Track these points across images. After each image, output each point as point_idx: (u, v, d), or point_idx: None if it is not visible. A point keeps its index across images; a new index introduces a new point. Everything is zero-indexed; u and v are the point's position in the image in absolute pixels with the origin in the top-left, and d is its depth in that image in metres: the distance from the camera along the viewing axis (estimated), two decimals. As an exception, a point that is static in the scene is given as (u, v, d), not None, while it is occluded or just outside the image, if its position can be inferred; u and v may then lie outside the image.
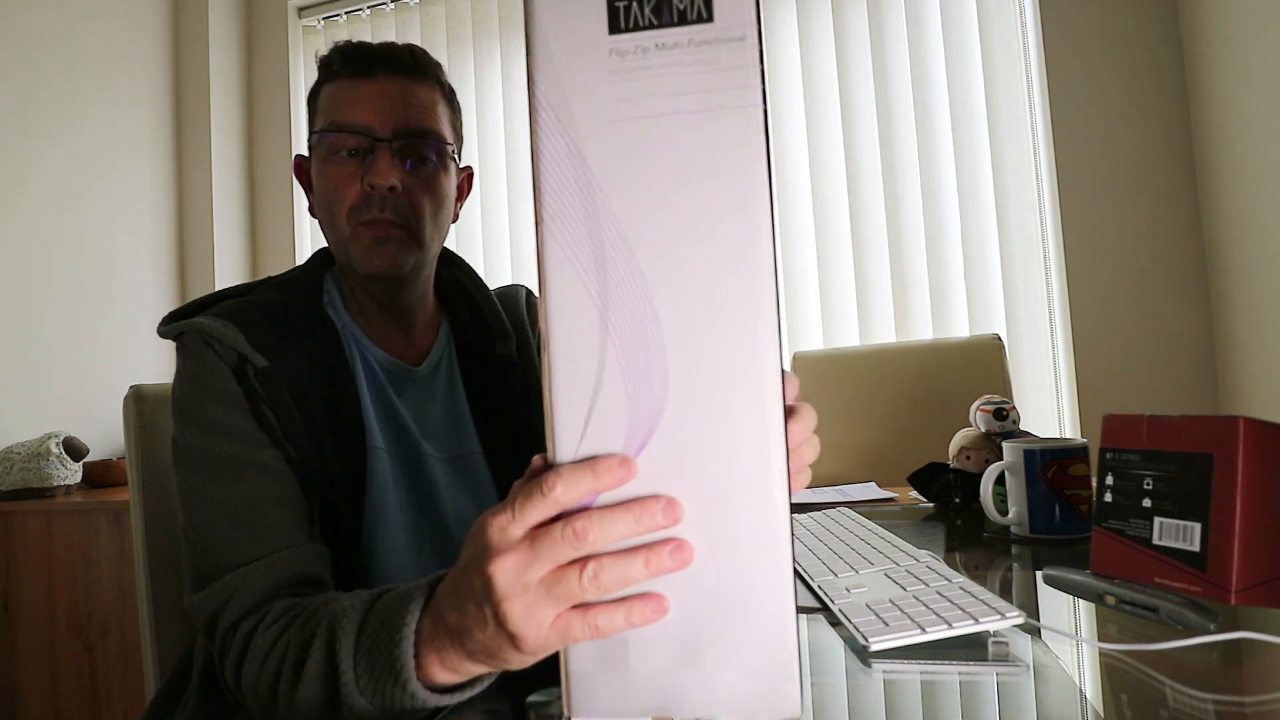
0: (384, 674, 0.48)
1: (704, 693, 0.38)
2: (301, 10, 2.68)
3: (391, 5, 2.57)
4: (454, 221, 0.83)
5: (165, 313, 0.80)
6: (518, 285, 0.96)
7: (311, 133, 0.79)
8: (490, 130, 2.48)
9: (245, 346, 0.69)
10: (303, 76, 2.68)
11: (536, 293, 0.40)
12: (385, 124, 0.74)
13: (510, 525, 0.38)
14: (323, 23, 2.66)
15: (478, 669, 0.45)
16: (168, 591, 0.88)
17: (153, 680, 0.86)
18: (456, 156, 0.81)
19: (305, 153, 0.81)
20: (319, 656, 0.54)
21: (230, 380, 0.69)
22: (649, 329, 0.38)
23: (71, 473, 1.87)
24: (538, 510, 0.37)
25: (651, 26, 0.39)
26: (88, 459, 1.97)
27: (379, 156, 0.73)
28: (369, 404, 0.76)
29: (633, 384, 0.38)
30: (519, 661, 0.41)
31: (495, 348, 0.85)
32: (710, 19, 0.39)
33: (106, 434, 2.15)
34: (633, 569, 0.36)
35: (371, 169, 0.73)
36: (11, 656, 1.75)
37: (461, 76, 2.52)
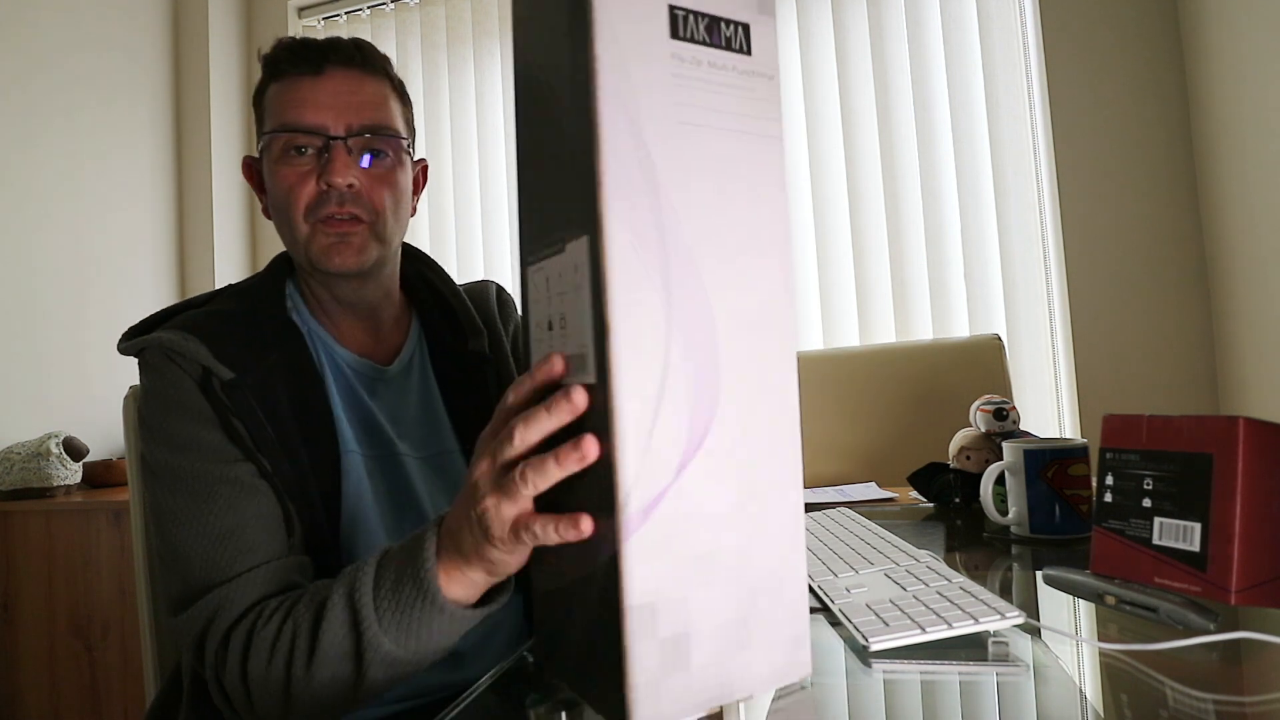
0: (411, 597, 0.53)
1: (747, 674, 0.41)
2: (301, 10, 2.68)
3: (391, 5, 2.57)
4: (412, 215, 0.82)
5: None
6: (487, 281, 0.95)
7: (261, 133, 0.76)
8: (490, 131, 2.48)
9: (209, 359, 0.68)
10: (303, 76, 2.67)
11: (520, 296, 0.42)
12: (339, 122, 0.73)
13: (484, 452, 0.46)
14: (323, 23, 2.66)
15: (479, 576, 0.51)
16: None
17: (153, 680, 0.86)
18: (411, 150, 0.80)
19: (255, 155, 0.80)
20: (337, 612, 0.56)
21: (196, 395, 0.68)
22: (707, 327, 0.41)
23: (71, 473, 1.87)
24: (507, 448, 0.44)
25: (704, 43, 0.42)
26: (88, 459, 1.97)
27: (335, 154, 0.72)
28: (339, 407, 0.75)
29: (695, 381, 0.40)
30: (500, 560, 0.49)
31: (467, 344, 0.84)
32: (749, 53, 0.43)
33: (106, 434, 2.15)
34: (548, 465, 0.42)
35: (328, 168, 0.72)
36: (11, 656, 1.75)
37: (461, 76, 2.52)
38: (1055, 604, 0.63)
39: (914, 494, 1.18)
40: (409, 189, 0.80)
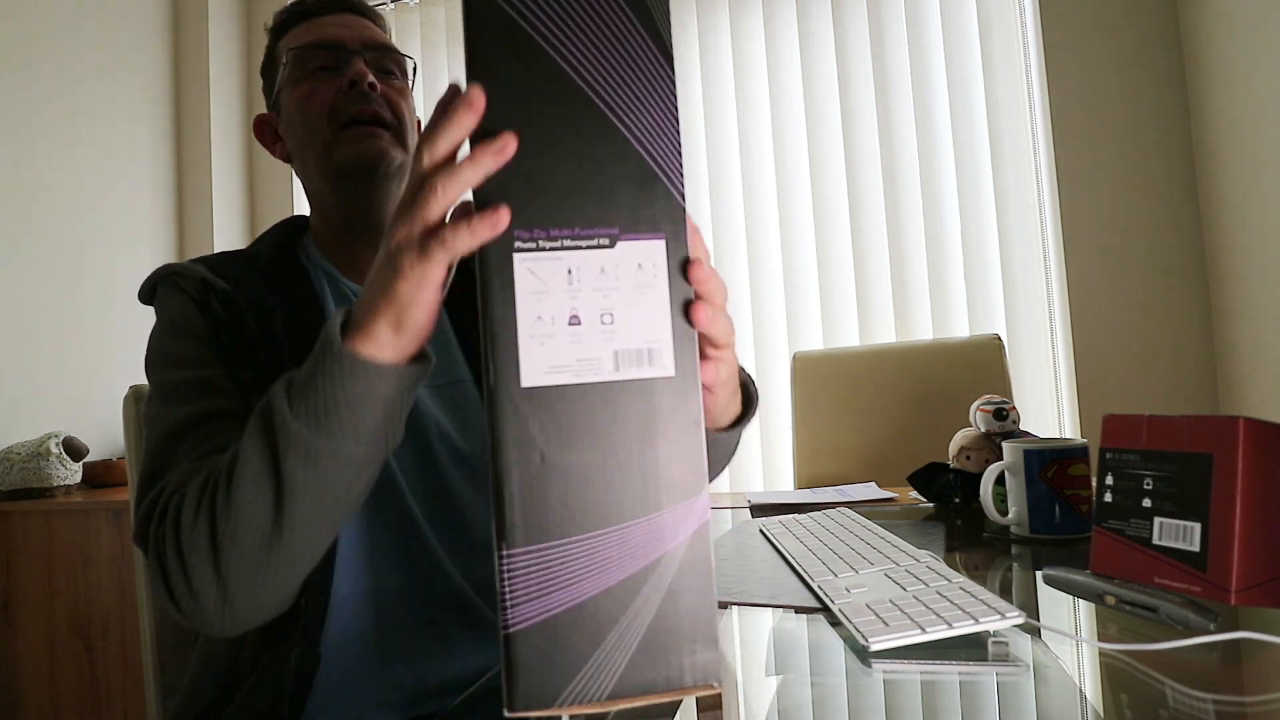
0: (315, 366, 0.50)
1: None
2: (301, 10, 2.68)
3: (392, 5, 2.57)
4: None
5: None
6: None
7: (277, 74, 0.80)
8: (490, 130, 2.48)
9: (206, 273, 0.71)
10: (303, 76, 2.68)
11: None
12: (354, 40, 0.78)
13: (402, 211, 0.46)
14: (323, 23, 2.66)
15: (385, 330, 0.48)
16: (168, 591, 0.88)
17: (153, 680, 0.86)
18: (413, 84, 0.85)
19: (267, 113, 0.84)
20: (252, 425, 0.53)
21: (190, 309, 0.70)
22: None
23: (71, 473, 1.87)
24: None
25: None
26: (88, 459, 1.97)
27: (353, 61, 0.76)
28: None
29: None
30: (407, 297, 0.46)
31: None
32: None
33: (106, 434, 2.15)
34: (463, 169, 0.43)
35: (350, 70, 0.75)
36: (11, 656, 1.75)
37: (461, 77, 2.52)
38: (1055, 604, 0.63)
39: (914, 494, 1.18)
40: (416, 115, 0.83)
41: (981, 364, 1.60)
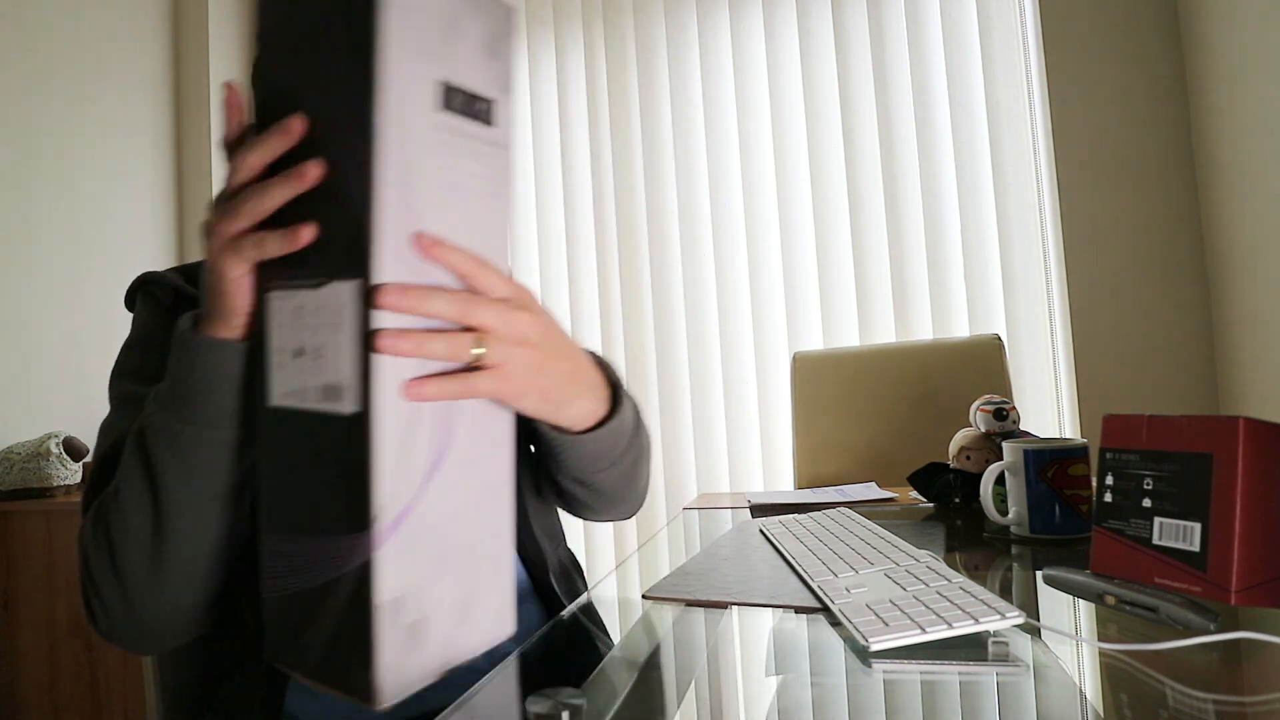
0: (174, 360, 0.55)
1: (468, 642, 0.50)
2: (301, 10, 2.68)
3: (391, 5, 2.57)
4: None
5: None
6: None
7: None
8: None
9: (180, 282, 0.73)
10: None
11: None
12: None
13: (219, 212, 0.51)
14: (323, 23, 2.66)
15: (217, 311, 0.53)
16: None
17: (153, 680, 0.86)
18: None
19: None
20: (134, 426, 0.57)
21: (160, 319, 0.72)
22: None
23: (71, 473, 1.87)
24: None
25: (464, 115, 0.48)
26: (88, 459, 1.96)
27: None
28: None
29: (437, 412, 0.47)
30: (227, 283, 0.50)
31: None
32: (494, 125, 0.50)
33: (106, 434, 2.14)
34: (269, 241, 0.48)
35: None
36: (11, 656, 1.75)
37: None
38: (1055, 604, 0.63)
39: (914, 494, 1.18)
40: None
41: (981, 364, 1.60)
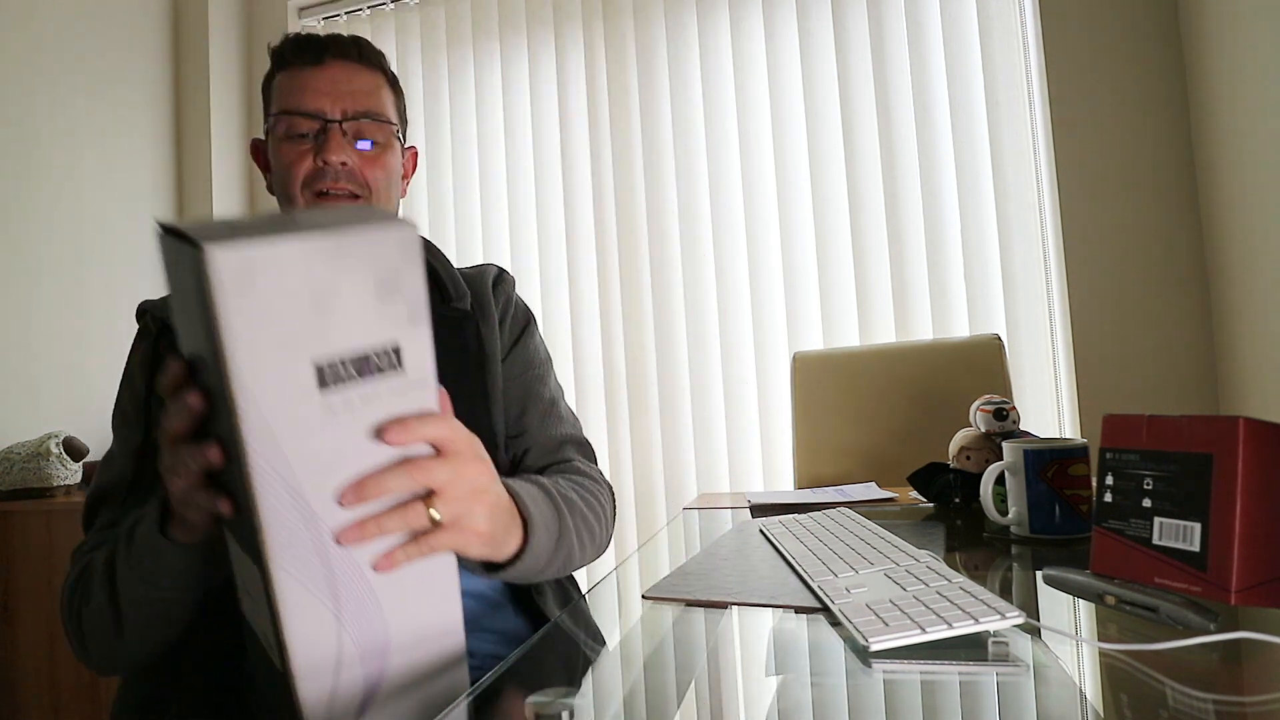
0: (139, 534, 0.61)
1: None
2: (301, 10, 2.68)
3: (391, 5, 2.57)
4: (402, 196, 0.90)
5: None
6: (488, 264, 0.99)
7: (268, 117, 0.85)
8: (489, 131, 2.48)
9: (165, 310, 0.79)
10: (303, 76, 2.67)
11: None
12: (335, 107, 0.81)
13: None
14: (323, 23, 2.66)
15: (180, 529, 0.58)
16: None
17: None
18: (401, 137, 0.88)
19: (262, 137, 0.88)
20: (111, 554, 0.66)
21: (145, 356, 0.79)
22: (372, 608, 0.49)
23: (71, 473, 1.87)
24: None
25: (355, 379, 0.46)
26: (88, 459, 1.96)
27: (330, 135, 0.80)
28: None
29: (366, 650, 0.50)
30: (180, 512, 0.56)
31: (450, 303, 0.88)
32: (402, 367, 0.48)
33: (106, 434, 2.14)
34: (179, 454, 0.50)
35: (324, 146, 0.80)
36: (11, 656, 1.75)
37: (461, 77, 2.52)
38: (1055, 604, 0.64)
39: (914, 494, 1.18)
40: (399, 171, 0.87)
41: (981, 364, 1.60)
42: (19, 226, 2.00)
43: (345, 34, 0.86)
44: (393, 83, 0.88)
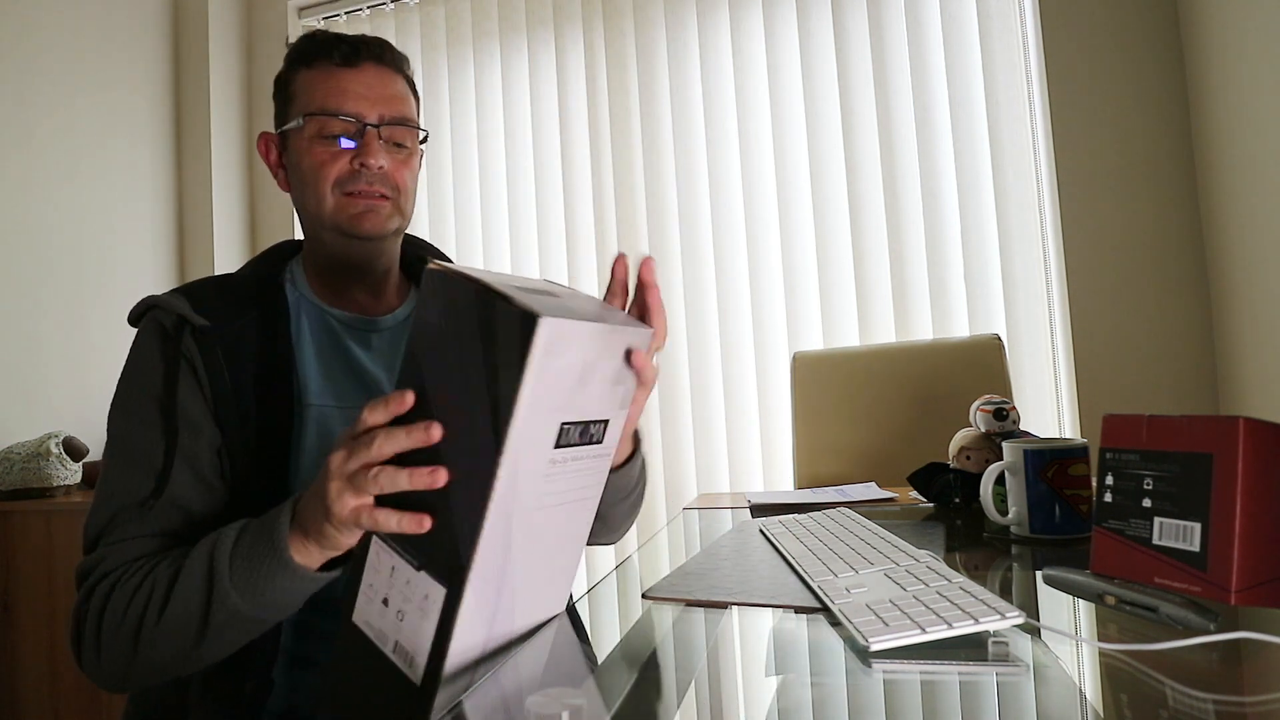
0: (262, 555, 0.61)
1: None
2: (301, 10, 2.68)
3: (391, 5, 2.57)
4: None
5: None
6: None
7: (290, 113, 0.84)
8: (490, 130, 2.48)
9: (186, 309, 0.75)
10: (303, 76, 2.67)
11: None
12: (373, 111, 0.82)
13: (343, 446, 0.56)
14: (323, 22, 2.66)
15: (314, 548, 0.60)
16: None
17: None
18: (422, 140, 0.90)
19: (273, 132, 0.87)
20: (195, 568, 0.63)
21: (157, 354, 0.76)
22: (509, 617, 0.55)
23: (71, 473, 1.87)
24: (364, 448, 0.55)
25: (575, 444, 0.54)
26: (88, 459, 1.96)
27: (369, 140, 0.81)
28: (311, 363, 0.81)
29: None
30: (332, 537, 0.58)
31: None
32: (602, 442, 0.57)
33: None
34: (400, 477, 0.53)
35: (364, 150, 0.80)
36: (11, 656, 1.75)
37: (461, 77, 2.52)
38: (1055, 604, 0.64)
39: (914, 494, 1.18)
40: (418, 171, 0.89)
41: (981, 364, 1.60)
42: (19, 226, 2.00)
43: (369, 35, 0.87)
44: (413, 87, 0.90)
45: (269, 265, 0.86)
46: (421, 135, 0.88)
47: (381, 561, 0.55)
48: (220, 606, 0.62)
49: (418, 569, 0.53)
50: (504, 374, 0.48)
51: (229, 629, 0.63)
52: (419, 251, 0.96)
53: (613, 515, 0.86)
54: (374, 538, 0.56)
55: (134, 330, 0.80)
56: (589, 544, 0.88)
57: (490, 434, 0.49)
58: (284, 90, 0.86)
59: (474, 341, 0.50)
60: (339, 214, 0.81)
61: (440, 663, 0.50)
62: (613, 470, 0.74)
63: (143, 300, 0.80)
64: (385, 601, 0.54)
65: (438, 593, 0.51)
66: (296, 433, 0.77)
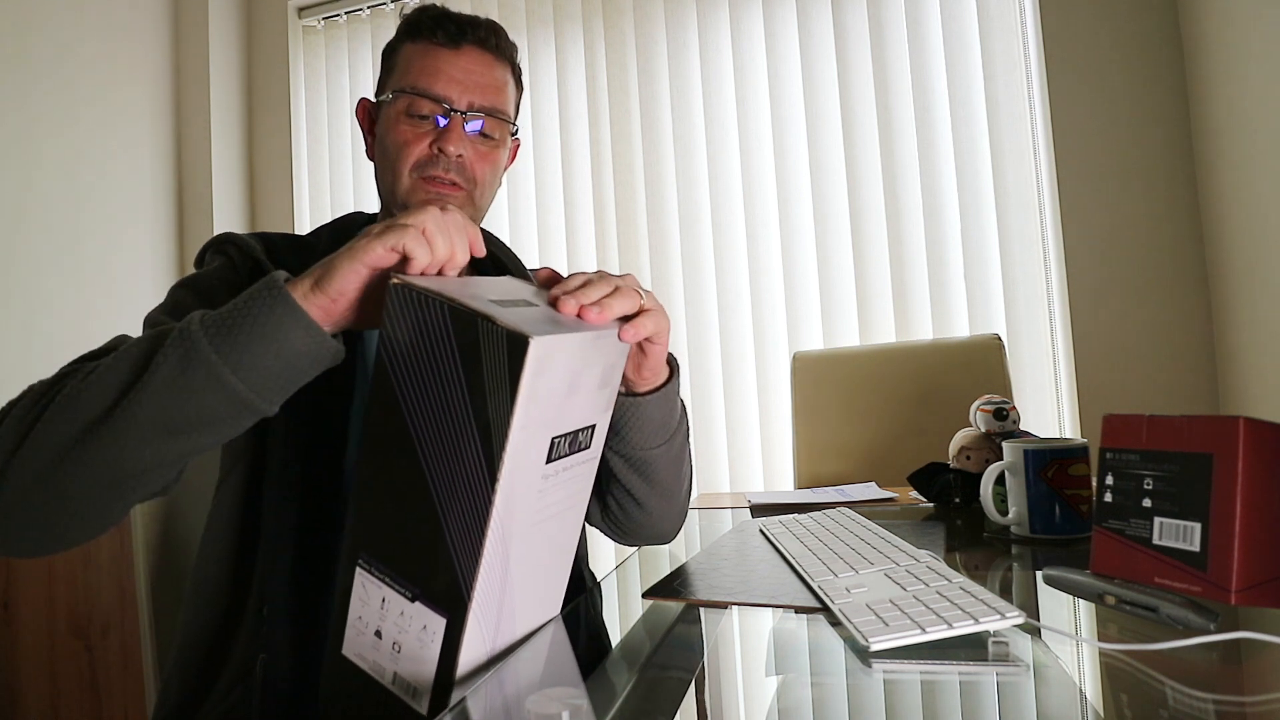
0: (250, 305, 0.53)
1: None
2: (301, 10, 2.68)
3: (391, 5, 2.57)
4: (498, 187, 0.90)
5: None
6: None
7: (388, 84, 0.84)
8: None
9: (260, 254, 0.74)
10: (302, 76, 2.67)
11: None
12: (463, 97, 0.80)
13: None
14: (323, 22, 2.65)
15: (309, 280, 0.55)
16: (168, 592, 0.88)
17: (153, 680, 0.86)
18: (515, 132, 0.88)
19: (371, 99, 0.87)
20: (160, 337, 0.53)
21: (227, 278, 0.72)
22: (511, 624, 0.54)
23: (71, 473, 1.87)
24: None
25: (565, 455, 0.52)
26: (88, 459, 1.96)
27: (452, 125, 0.79)
28: (370, 333, 0.78)
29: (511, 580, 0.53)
30: (340, 257, 0.54)
31: None
32: (590, 447, 0.56)
33: (106, 434, 2.14)
34: (440, 237, 0.55)
35: (445, 135, 0.79)
36: (11, 656, 1.75)
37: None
38: (1055, 604, 0.64)
39: (914, 494, 1.18)
40: (503, 166, 0.87)
41: (981, 364, 1.60)
42: (19, 226, 2.00)
43: (481, 17, 0.84)
44: (518, 77, 0.87)
45: (341, 233, 0.85)
46: (513, 129, 0.85)
47: (370, 594, 0.53)
48: (175, 343, 0.51)
49: (412, 600, 0.51)
50: (493, 399, 0.46)
51: (167, 382, 0.51)
52: (489, 246, 0.93)
53: (655, 466, 0.76)
54: (359, 569, 0.53)
55: (137, 324, 0.77)
56: (641, 534, 0.87)
57: (482, 461, 0.46)
58: (388, 59, 0.85)
59: (452, 364, 0.47)
60: (411, 196, 0.80)
61: (448, 694, 0.49)
62: (645, 394, 0.69)
63: (219, 235, 0.78)
64: (378, 634, 0.52)
65: (437, 623, 0.49)
66: (353, 402, 0.74)
